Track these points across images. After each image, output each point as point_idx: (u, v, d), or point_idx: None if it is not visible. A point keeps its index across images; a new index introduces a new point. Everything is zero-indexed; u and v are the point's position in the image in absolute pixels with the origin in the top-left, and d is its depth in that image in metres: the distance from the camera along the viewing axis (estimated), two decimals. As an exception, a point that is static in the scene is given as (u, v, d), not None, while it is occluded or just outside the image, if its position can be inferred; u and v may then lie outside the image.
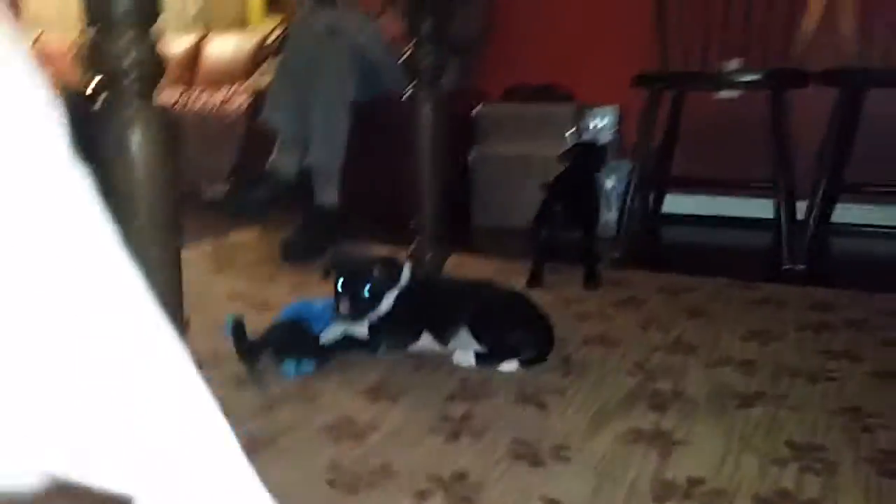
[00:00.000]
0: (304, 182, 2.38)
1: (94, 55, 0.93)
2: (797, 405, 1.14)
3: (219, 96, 3.79)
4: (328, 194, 2.29)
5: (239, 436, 1.07)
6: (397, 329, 1.40)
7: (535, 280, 1.82)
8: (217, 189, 2.92)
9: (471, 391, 1.22)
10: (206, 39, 4.69)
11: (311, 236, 2.16)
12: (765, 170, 2.13)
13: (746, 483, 0.93)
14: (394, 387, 1.25)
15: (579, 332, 1.48)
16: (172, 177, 0.98)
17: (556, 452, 1.01)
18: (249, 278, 1.96)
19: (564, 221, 1.83)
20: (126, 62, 0.92)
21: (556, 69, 2.75)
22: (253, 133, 3.54)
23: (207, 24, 5.05)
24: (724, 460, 0.98)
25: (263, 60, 4.25)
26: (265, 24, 5.19)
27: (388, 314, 1.39)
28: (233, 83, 4.09)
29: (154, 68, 0.95)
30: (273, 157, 2.40)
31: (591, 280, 1.81)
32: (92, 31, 0.93)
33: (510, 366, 1.30)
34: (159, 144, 0.96)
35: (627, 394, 1.19)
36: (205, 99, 3.80)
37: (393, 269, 1.40)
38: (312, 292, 1.69)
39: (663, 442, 1.03)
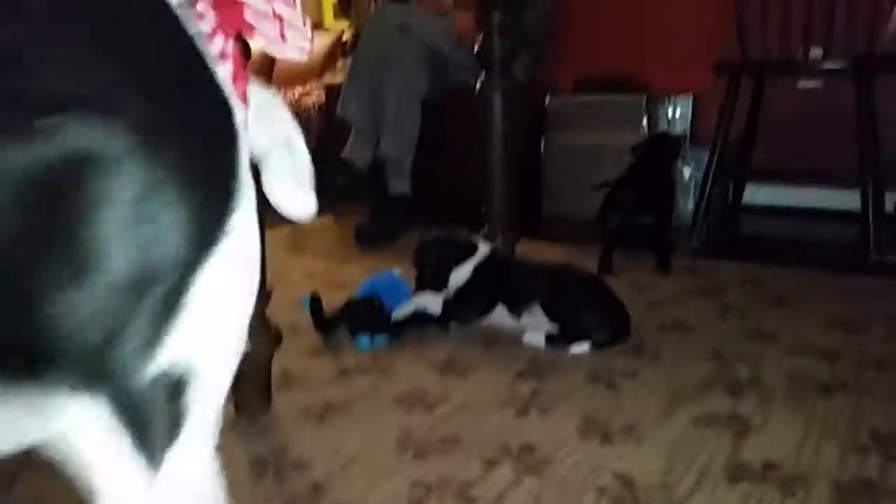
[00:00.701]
0: (376, 171, 2.44)
1: None
2: (883, 396, 1.09)
3: (295, 92, 3.90)
4: (400, 184, 2.35)
5: (316, 400, 1.10)
6: (472, 299, 1.43)
7: (605, 265, 1.80)
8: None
9: (540, 369, 1.22)
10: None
11: (383, 223, 2.22)
12: (850, 160, 2.04)
13: (826, 470, 0.90)
14: (464, 362, 1.27)
15: (653, 318, 1.46)
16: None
17: (628, 431, 1.00)
18: (325, 260, 2.02)
19: (635, 207, 1.80)
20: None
21: (629, 59, 2.69)
22: (328, 126, 3.64)
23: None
24: (803, 446, 0.95)
25: (337, 59, 4.36)
26: (338, 26, 5.32)
27: (466, 284, 1.43)
28: (307, 81, 4.20)
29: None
30: (347, 147, 2.47)
31: (664, 265, 1.79)
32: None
33: (581, 347, 1.30)
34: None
35: (703, 379, 1.16)
36: (282, 96, 3.91)
37: (467, 245, 1.48)
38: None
39: (739, 426, 1.01)
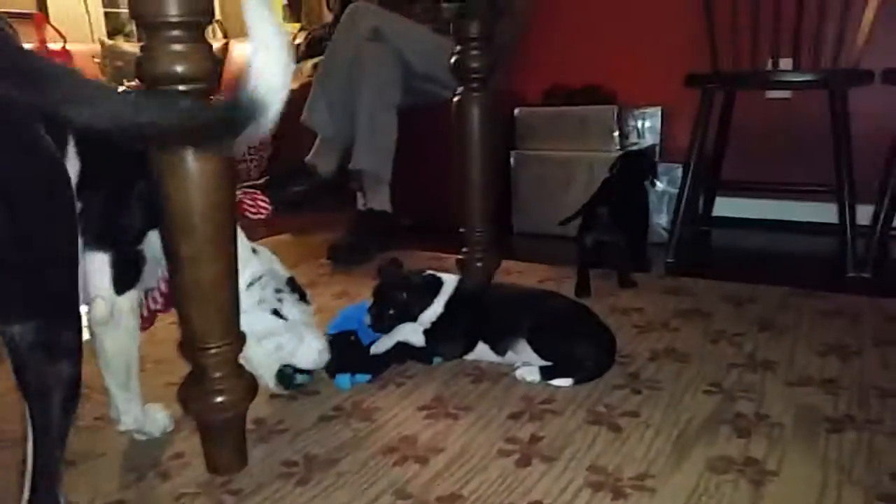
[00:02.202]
0: (340, 181, 2.34)
1: (146, 62, 0.85)
2: (894, 431, 1.05)
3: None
4: (379, 200, 2.23)
5: (296, 454, 1.00)
6: (449, 337, 1.34)
7: (582, 288, 1.74)
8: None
9: (535, 409, 1.14)
10: (229, 46, 4.64)
11: (358, 240, 2.11)
12: (821, 172, 2.04)
13: (855, 521, 0.84)
14: (452, 402, 1.18)
15: (643, 344, 1.40)
16: (231, 189, 0.92)
17: (640, 483, 0.93)
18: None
19: (610, 226, 1.75)
20: (182, 68, 0.85)
21: (597, 70, 2.66)
22: (284, 133, 3.51)
23: (228, 31, 5.01)
24: (824, 494, 0.90)
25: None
26: (288, 28, 5.16)
27: (439, 322, 1.34)
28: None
29: (212, 73, 0.88)
30: (311, 155, 2.35)
31: (627, 282, 1.80)
32: (142, 37, 0.86)
33: (565, 382, 1.23)
34: (217, 154, 0.89)
35: (708, 416, 1.10)
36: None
37: (431, 281, 1.36)
38: (356, 297, 1.63)
39: (755, 472, 0.95)
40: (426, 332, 1.34)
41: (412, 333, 1.34)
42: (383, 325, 1.34)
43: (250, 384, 0.98)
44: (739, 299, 1.67)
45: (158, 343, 1.49)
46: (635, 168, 1.94)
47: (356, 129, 2.17)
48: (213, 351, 0.93)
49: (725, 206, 2.54)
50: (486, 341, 1.33)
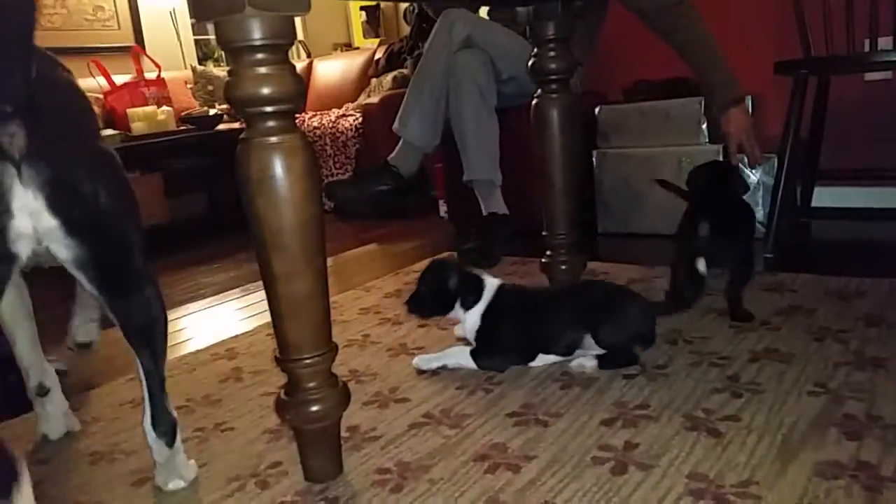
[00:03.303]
0: (422, 183, 2.39)
1: (234, 86, 0.88)
2: None
3: (332, 116, 3.84)
4: (495, 204, 2.26)
5: (389, 461, 1.01)
6: (493, 345, 1.34)
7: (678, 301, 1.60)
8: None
9: (630, 416, 1.12)
10: (312, 65, 4.77)
11: (485, 244, 2.16)
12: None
13: None
14: (543, 409, 1.17)
15: (743, 345, 1.34)
16: (319, 203, 0.94)
17: (744, 490, 0.89)
18: (375, 294, 1.94)
19: (717, 253, 1.40)
20: (268, 90, 0.88)
21: (681, 63, 2.57)
22: (366, 148, 3.58)
23: (311, 50, 5.16)
24: (951, 501, 0.83)
25: (370, 79, 4.28)
26: (367, 44, 5.27)
27: (481, 332, 1.34)
28: (343, 104, 4.15)
29: (296, 94, 0.91)
30: (393, 157, 2.35)
31: (741, 314, 1.49)
32: (229, 61, 0.90)
33: (590, 363, 1.29)
34: (305, 172, 0.91)
35: (815, 419, 1.04)
36: (318, 121, 3.87)
37: (472, 280, 1.37)
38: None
39: (869, 478, 0.89)
40: (474, 350, 1.35)
41: (461, 356, 1.35)
42: (418, 306, 1.37)
43: (344, 393, 1.00)
44: (844, 294, 1.57)
45: (255, 355, 1.54)
46: (724, 179, 1.59)
47: (464, 140, 2.20)
48: (307, 362, 0.96)
49: (825, 196, 2.41)
50: (547, 351, 1.33)
